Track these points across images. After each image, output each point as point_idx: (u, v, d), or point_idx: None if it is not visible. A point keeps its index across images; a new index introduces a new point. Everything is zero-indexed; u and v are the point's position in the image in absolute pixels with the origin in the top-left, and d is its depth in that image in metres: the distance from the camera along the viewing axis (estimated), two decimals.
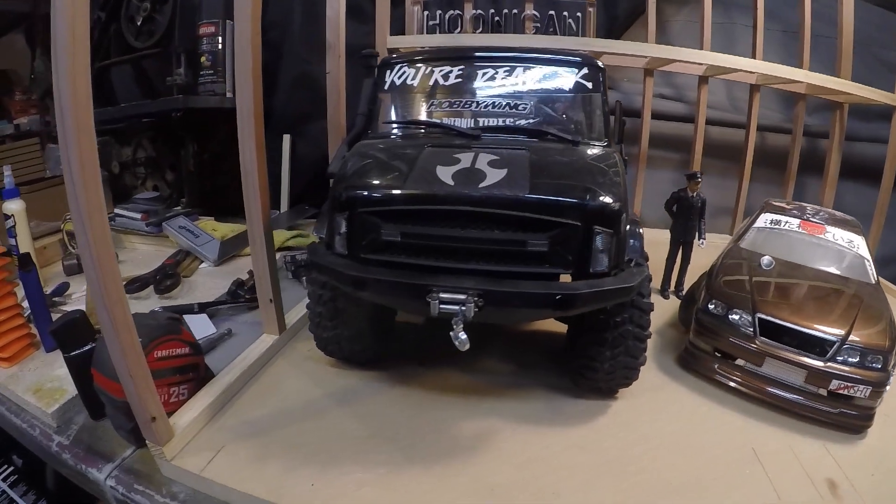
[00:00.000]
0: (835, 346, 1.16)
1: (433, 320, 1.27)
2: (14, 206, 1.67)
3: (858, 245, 1.52)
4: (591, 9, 1.99)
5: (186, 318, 1.52)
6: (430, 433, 1.04)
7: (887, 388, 1.20)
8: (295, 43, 2.22)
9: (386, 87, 1.25)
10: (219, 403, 1.12)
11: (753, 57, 2.10)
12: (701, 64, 2.03)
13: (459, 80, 1.21)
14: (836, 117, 2.19)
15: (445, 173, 0.92)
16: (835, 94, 2.11)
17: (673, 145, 2.41)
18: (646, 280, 1.01)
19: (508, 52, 1.25)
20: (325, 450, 1.00)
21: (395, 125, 1.23)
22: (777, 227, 1.62)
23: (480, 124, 1.16)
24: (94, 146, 0.81)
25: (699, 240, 1.68)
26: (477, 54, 1.25)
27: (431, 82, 1.22)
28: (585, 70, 1.21)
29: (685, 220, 1.67)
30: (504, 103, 1.19)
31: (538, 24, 1.98)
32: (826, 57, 2.21)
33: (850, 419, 1.16)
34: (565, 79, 1.21)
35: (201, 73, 2.11)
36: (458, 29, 1.98)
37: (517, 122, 1.17)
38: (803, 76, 1.98)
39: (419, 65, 1.23)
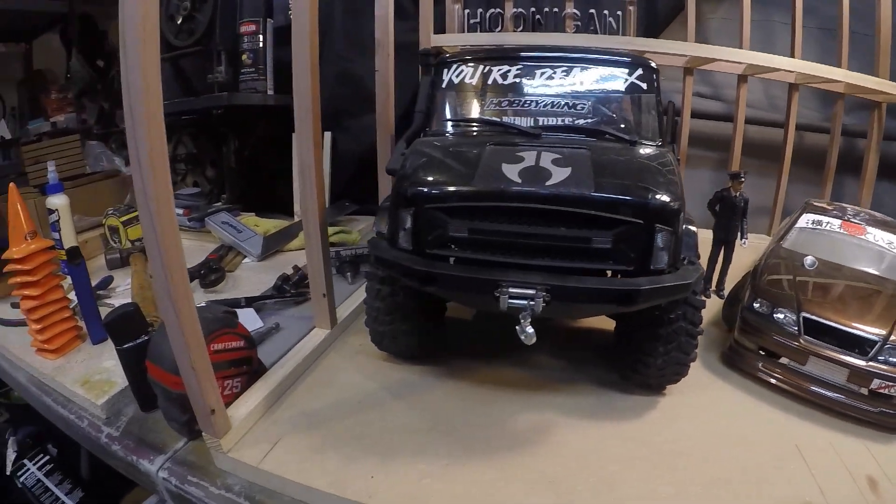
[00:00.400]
0: (877, 346, 1.17)
1: (481, 315, 1.27)
2: (58, 201, 1.71)
3: None
4: (631, 7, 1.99)
5: (241, 312, 1.55)
6: (488, 426, 1.06)
7: None
8: (335, 40, 2.24)
9: (444, 86, 1.28)
10: (274, 396, 1.13)
11: (792, 56, 2.08)
12: (740, 63, 2.01)
13: (518, 79, 1.23)
14: (874, 117, 2.16)
15: (512, 171, 0.94)
16: (873, 93, 2.09)
17: (710, 144, 2.39)
18: (700, 277, 1.03)
19: (565, 52, 1.26)
20: (383, 442, 1.01)
21: (452, 123, 1.25)
22: (818, 227, 1.63)
23: (540, 123, 1.19)
24: (163, 138, 0.82)
25: (741, 239, 1.67)
26: (535, 54, 1.27)
27: (490, 81, 1.24)
28: (640, 71, 1.23)
29: (727, 219, 1.66)
30: (563, 103, 1.21)
31: (578, 23, 1.97)
32: (864, 55, 2.17)
33: (890, 418, 1.16)
34: (621, 79, 1.23)
35: (242, 70, 2.15)
36: (499, 28, 1.98)
37: (577, 122, 1.19)
38: (842, 76, 1.96)
39: (477, 63, 1.25)
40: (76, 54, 2.86)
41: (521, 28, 1.99)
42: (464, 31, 1.99)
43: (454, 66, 1.27)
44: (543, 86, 1.22)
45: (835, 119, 2.19)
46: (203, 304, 1.40)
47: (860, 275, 1.43)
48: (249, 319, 1.54)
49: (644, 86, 1.23)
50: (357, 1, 2.18)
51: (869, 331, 1.19)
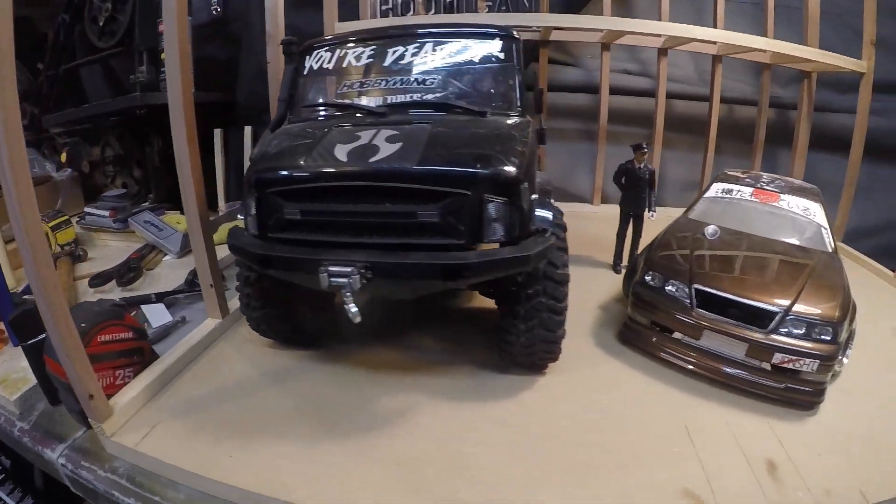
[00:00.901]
0: (777, 318, 1.14)
1: (374, 299, 1.32)
2: None
3: (815, 213, 1.50)
4: None
5: (144, 307, 1.61)
6: (355, 409, 1.10)
7: (843, 360, 1.18)
8: (256, 35, 2.29)
9: (305, 73, 1.30)
10: (159, 384, 1.18)
11: (714, 27, 2.13)
12: (658, 35, 2.06)
13: (371, 59, 1.24)
14: (804, 86, 2.21)
15: (342, 151, 0.97)
16: (801, 62, 2.12)
17: (639, 121, 2.43)
18: (551, 249, 1.02)
19: (420, 28, 1.27)
20: (252, 425, 1.06)
21: (309, 109, 1.27)
22: (728, 196, 1.62)
23: (389, 102, 1.19)
24: (22, 146, 0.87)
25: (649, 212, 1.70)
26: (387, 34, 1.28)
27: (345, 64, 1.25)
28: (498, 41, 1.23)
29: (633, 192, 1.69)
30: (413, 80, 1.21)
31: (490, 3, 2.02)
32: (798, 28, 2.21)
33: (798, 395, 1.13)
34: (477, 51, 1.23)
35: (162, 69, 2.19)
36: (411, 12, 2.03)
37: (425, 98, 1.19)
38: (764, 44, 1.99)
39: (334, 48, 1.27)
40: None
41: (432, 12, 2.04)
42: (376, 17, 2.05)
43: (314, 52, 1.29)
44: (394, 64, 1.23)
45: (763, 90, 2.23)
46: (99, 300, 1.47)
47: (769, 243, 1.41)
48: (159, 314, 1.60)
49: (502, 55, 1.22)
50: None
51: (769, 301, 1.16)
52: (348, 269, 0.89)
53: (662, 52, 2.15)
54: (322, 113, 1.25)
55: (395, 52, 1.23)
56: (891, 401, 1.18)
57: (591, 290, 1.60)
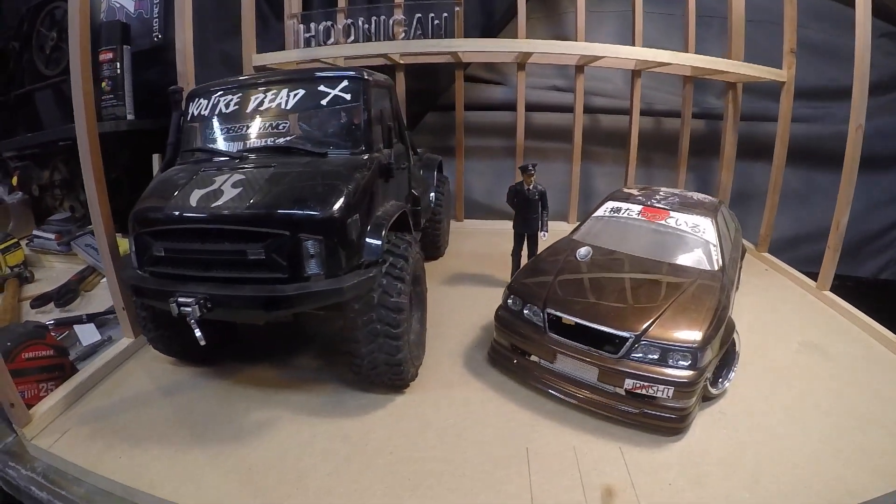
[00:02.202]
0: (628, 343, 1.21)
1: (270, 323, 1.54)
2: None
3: (704, 229, 1.59)
4: (458, 8, 2.29)
5: (77, 327, 1.91)
6: (224, 421, 1.36)
7: (724, 383, 1.30)
8: (212, 62, 2.60)
9: (188, 119, 1.53)
10: (74, 395, 1.47)
11: (633, 44, 2.38)
12: (574, 55, 2.31)
13: (237, 107, 1.45)
14: (729, 97, 2.44)
15: (195, 196, 1.23)
16: (722, 74, 2.35)
17: (568, 137, 2.66)
18: (373, 280, 1.21)
19: (278, 76, 1.50)
20: (140, 431, 1.34)
21: (188, 153, 1.51)
22: (616, 214, 1.72)
23: (247, 146, 1.41)
24: None
25: (541, 231, 1.88)
26: (249, 83, 1.49)
27: (217, 111, 1.47)
28: (345, 83, 1.43)
29: (525, 212, 1.86)
30: (268, 125, 1.42)
31: (406, 28, 2.30)
32: (724, 38, 2.46)
33: (657, 420, 1.19)
34: (325, 94, 1.42)
35: (103, 97, 2.51)
36: (331, 39, 2.33)
37: (276, 141, 1.40)
38: (672, 58, 2.20)
39: (209, 96, 1.49)
40: None
41: (351, 38, 2.32)
42: (300, 46, 2.35)
43: (195, 100, 1.53)
44: (254, 111, 1.44)
45: (685, 103, 2.48)
46: (25, 321, 1.79)
47: (643, 264, 1.50)
48: (89, 333, 1.90)
49: (348, 97, 1.41)
50: (220, 21, 2.55)
51: (622, 327, 1.22)
52: (191, 300, 1.15)
53: (579, 68, 2.42)
54: (198, 157, 1.48)
55: (256, 98, 1.45)
56: (766, 423, 1.28)
57: (479, 310, 1.80)
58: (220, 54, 2.53)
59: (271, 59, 2.20)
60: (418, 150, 2.22)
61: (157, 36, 2.69)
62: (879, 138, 2.76)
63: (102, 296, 2.21)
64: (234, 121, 1.46)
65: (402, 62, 2.48)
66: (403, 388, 1.42)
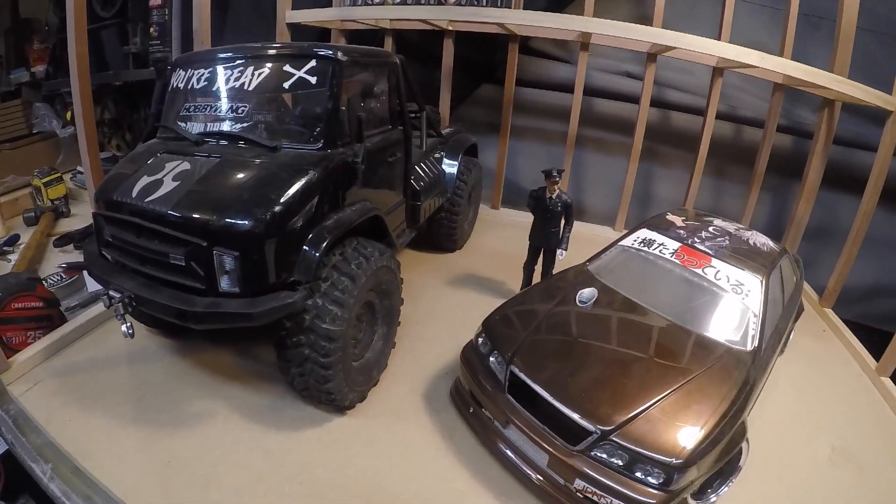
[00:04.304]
0: (590, 439, 1.02)
1: None
2: None
3: (749, 291, 1.32)
4: None
5: (85, 272, 2.05)
6: (168, 403, 1.40)
7: (695, 499, 1.06)
8: (240, 14, 2.63)
9: (169, 90, 1.48)
10: (54, 348, 1.56)
11: (719, 38, 2.13)
12: (647, 41, 2.09)
13: (206, 83, 1.38)
14: (824, 115, 2.12)
15: (140, 185, 1.21)
16: (819, 88, 2.02)
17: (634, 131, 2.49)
18: (294, 306, 1.14)
19: (249, 51, 1.38)
20: (95, 396, 1.41)
21: (160, 128, 1.49)
22: (646, 248, 1.49)
23: (206, 129, 1.34)
24: None
25: (560, 248, 1.68)
26: (222, 55, 1.39)
27: (189, 86, 1.41)
28: (312, 63, 1.30)
29: (544, 224, 1.68)
30: (229, 107, 1.34)
31: None
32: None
33: None
34: (289, 76, 1.31)
35: (150, 43, 2.62)
36: None
37: (233, 127, 1.31)
38: (759, 60, 1.93)
39: (185, 68, 1.44)
40: (53, 6, 3.50)
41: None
42: (345, 2, 2.30)
43: (176, 70, 1.46)
44: (219, 90, 1.36)
45: (771, 113, 2.20)
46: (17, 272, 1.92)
47: (657, 326, 1.27)
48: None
49: (313, 80, 1.29)
50: None
51: (590, 415, 1.03)
52: (118, 296, 1.17)
53: (651, 56, 2.21)
54: (167, 133, 1.45)
55: (224, 75, 1.37)
56: None
57: (468, 326, 1.53)
58: (273, 8, 2.52)
59: (304, 16, 2.18)
60: (446, 131, 2.14)
61: None
62: None
63: None
64: (201, 98, 1.40)
65: (450, 28, 2.36)
66: (344, 409, 1.37)
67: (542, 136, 2.74)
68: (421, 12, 2.15)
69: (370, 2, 2.28)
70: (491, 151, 2.47)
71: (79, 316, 1.72)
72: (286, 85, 1.32)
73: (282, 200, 1.14)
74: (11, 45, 3.64)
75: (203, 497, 1.15)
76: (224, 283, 1.12)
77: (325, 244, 1.18)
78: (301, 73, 1.31)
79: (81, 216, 2.59)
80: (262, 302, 1.12)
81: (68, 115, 2.92)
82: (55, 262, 2.18)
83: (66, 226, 2.50)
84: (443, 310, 1.83)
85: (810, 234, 2.33)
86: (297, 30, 2.36)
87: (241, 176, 1.20)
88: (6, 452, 1.49)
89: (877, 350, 1.71)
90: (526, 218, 1.78)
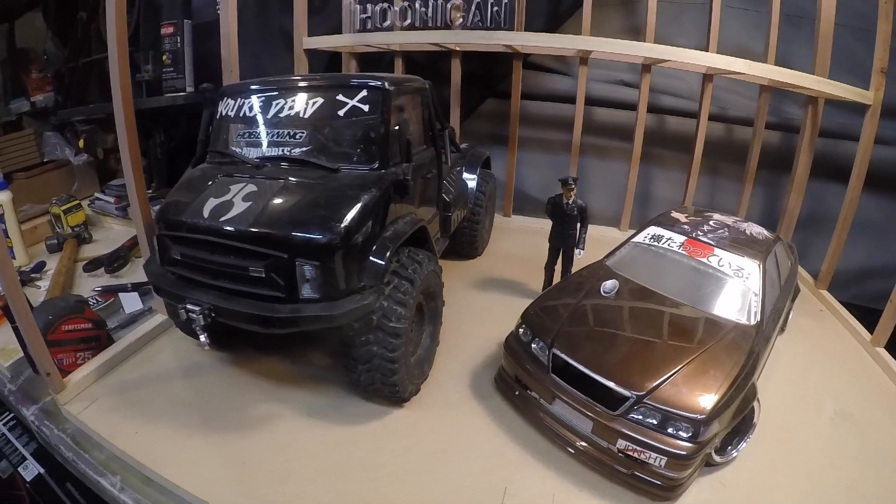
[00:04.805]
0: (627, 403, 1.20)
1: None
2: (3, 198, 2.41)
3: (749, 274, 1.52)
4: None
5: (121, 295, 2.15)
6: (232, 409, 1.51)
7: (732, 453, 1.28)
8: (249, 30, 2.76)
9: (217, 118, 1.63)
10: (106, 367, 1.68)
11: (707, 43, 2.32)
12: (638, 55, 2.26)
13: (259, 111, 1.53)
14: (808, 112, 2.31)
15: (209, 207, 1.34)
16: (801, 88, 2.23)
17: (632, 136, 2.63)
18: (369, 307, 1.28)
19: (299, 81, 1.55)
20: (158, 408, 1.52)
21: (213, 153, 1.62)
22: (656, 244, 1.68)
23: (265, 154, 1.49)
24: None
25: (577, 249, 1.89)
26: (273, 86, 1.55)
27: (241, 114, 1.55)
28: (364, 93, 1.47)
29: (562, 227, 1.88)
30: (286, 133, 1.48)
31: (464, 14, 2.35)
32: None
33: (647, 486, 1.18)
34: (343, 104, 1.46)
35: (163, 70, 2.73)
36: (387, 22, 2.41)
37: (292, 152, 1.46)
38: (746, 67, 2.12)
39: (234, 97, 1.58)
40: (51, 36, 3.58)
41: (408, 21, 2.40)
42: (356, 27, 2.45)
43: (223, 99, 1.61)
44: (275, 117, 1.50)
45: (759, 114, 2.39)
46: (68, 294, 2.03)
47: (672, 308, 1.46)
48: (132, 302, 2.14)
49: (366, 108, 1.45)
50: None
51: (626, 383, 1.21)
52: (197, 308, 1.29)
53: (646, 67, 2.39)
54: (221, 159, 1.59)
55: (277, 104, 1.52)
56: (765, 499, 1.27)
57: (499, 323, 1.77)
58: (280, 29, 2.67)
59: (321, 42, 2.32)
60: (462, 146, 2.29)
61: (219, 9, 2.86)
62: None
63: None
64: (256, 125, 1.54)
65: (457, 49, 2.53)
66: (402, 402, 1.51)
67: (545, 145, 2.91)
68: (433, 37, 2.31)
69: (380, 25, 2.43)
70: (497, 162, 2.61)
71: (127, 335, 1.83)
72: (341, 113, 1.47)
73: (353, 216, 1.29)
74: (8, 76, 3.70)
75: (283, 489, 1.26)
76: (305, 291, 1.26)
77: (388, 253, 1.34)
78: (354, 102, 1.47)
79: (103, 241, 2.70)
80: (341, 305, 1.26)
81: (80, 142, 3.02)
82: (86, 286, 2.28)
83: (90, 251, 2.60)
84: (473, 310, 1.98)
85: (803, 223, 2.52)
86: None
87: (312, 195, 1.34)
88: (36, 478, 1.62)
89: (872, 327, 1.90)
90: (535, 223, 1.94)
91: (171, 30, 2.72)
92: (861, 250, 2.62)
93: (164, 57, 2.73)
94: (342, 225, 1.27)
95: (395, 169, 1.47)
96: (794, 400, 1.61)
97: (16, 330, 1.66)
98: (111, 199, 2.80)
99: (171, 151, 2.90)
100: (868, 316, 1.98)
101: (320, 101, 1.49)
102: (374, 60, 2.69)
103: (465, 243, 2.31)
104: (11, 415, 2.56)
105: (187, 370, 1.70)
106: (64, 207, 2.67)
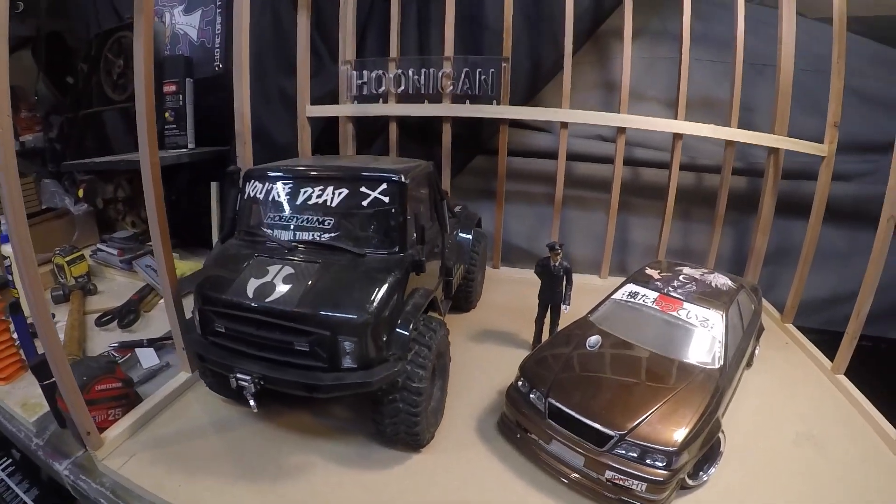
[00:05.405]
0: (612, 441, 1.47)
1: None
2: (9, 249, 2.56)
3: (714, 325, 1.79)
4: (505, 64, 2.59)
5: (137, 350, 2.32)
6: (266, 460, 1.70)
7: (703, 476, 1.55)
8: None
9: (245, 197, 1.82)
10: (139, 423, 1.86)
11: (677, 99, 2.64)
12: (611, 126, 2.60)
13: (288, 197, 1.74)
14: (771, 161, 2.66)
15: (252, 286, 1.56)
16: (763, 142, 2.59)
17: (609, 188, 2.90)
18: (399, 374, 1.53)
19: (327, 171, 1.77)
20: (195, 462, 1.70)
21: (245, 232, 1.80)
22: (632, 300, 1.96)
23: (297, 238, 1.69)
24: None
25: (564, 304, 2.19)
26: (300, 175, 1.76)
27: (271, 197, 1.76)
28: (384, 186, 1.68)
29: (549, 285, 2.18)
30: (315, 218, 1.69)
31: (454, 83, 2.62)
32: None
33: None
34: (366, 195, 1.68)
35: (165, 127, 2.93)
36: (382, 87, 2.67)
37: (322, 237, 1.67)
38: (725, 133, 2.48)
39: (263, 180, 1.79)
40: (42, 77, 3.72)
41: (402, 88, 2.66)
42: (353, 92, 2.70)
43: (250, 181, 1.81)
44: (304, 203, 1.70)
45: (725, 165, 2.72)
46: (100, 354, 2.18)
47: (649, 358, 1.73)
48: (149, 357, 2.30)
49: (386, 199, 1.67)
50: (269, 56, 2.92)
51: (611, 424, 1.48)
52: (248, 378, 1.51)
53: (620, 129, 2.69)
54: (253, 238, 1.78)
55: (305, 191, 1.73)
56: None
57: (498, 372, 2.07)
58: (279, 91, 2.90)
59: (324, 111, 2.56)
60: (456, 209, 2.54)
61: (217, 66, 3.09)
62: None
63: (160, 317, 2.63)
64: (285, 210, 1.76)
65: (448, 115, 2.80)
66: (420, 448, 1.74)
67: (529, 198, 3.19)
68: (427, 110, 2.60)
69: (375, 91, 2.68)
70: (486, 215, 2.85)
71: (156, 392, 2.01)
72: (364, 203, 1.69)
73: (382, 297, 1.53)
74: None
75: None
76: (346, 362, 1.50)
77: (411, 325, 1.59)
78: (376, 194, 1.69)
79: (108, 293, 2.85)
80: (376, 372, 1.50)
81: (80, 192, 3.18)
82: (100, 341, 2.43)
83: (97, 303, 2.75)
84: (472, 361, 2.21)
85: (770, 258, 2.85)
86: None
87: (345, 278, 1.58)
88: None
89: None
90: (521, 274, 2.18)
91: (173, 88, 2.92)
92: (828, 278, 2.97)
93: (167, 114, 2.92)
94: (374, 306, 1.51)
95: (412, 251, 1.71)
96: (760, 425, 1.88)
97: (45, 388, 1.84)
98: (114, 252, 2.96)
99: (173, 204, 3.09)
100: (838, 340, 2.23)
101: (346, 191, 1.71)
102: (370, 122, 2.93)
103: (462, 298, 2.56)
104: (9, 460, 2.69)
105: (218, 425, 1.89)
106: (68, 258, 2.80)
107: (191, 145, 2.96)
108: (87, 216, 3.27)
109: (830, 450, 1.79)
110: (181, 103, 2.92)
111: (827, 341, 2.37)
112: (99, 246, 3.02)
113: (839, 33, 2.36)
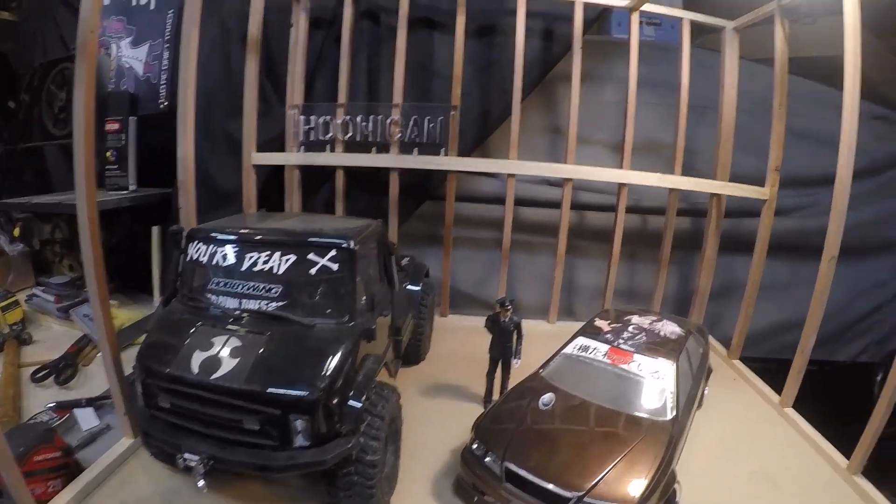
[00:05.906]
0: (570, 503, 1.48)
1: None
2: None
3: (664, 375, 1.83)
4: (453, 112, 2.66)
5: (76, 411, 2.28)
6: None
7: None
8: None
9: (187, 259, 1.76)
10: (80, 496, 1.82)
11: (623, 142, 2.78)
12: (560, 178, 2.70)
13: (233, 261, 1.68)
14: (713, 204, 2.82)
15: (197, 360, 1.54)
16: (707, 189, 2.74)
17: (556, 232, 3.01)
18: (353, 448, 1.51)
19: (273, 235, 1.74)
20: None
21: (187, 296, 1.78)
22: (583, 354, 1.99)
23: (242, 306, 1.65)
24: None
25: (514, 359, 2.22)
26: (245, 239, 1.71)
27: (215, 261, 1.70)
28: (333, 252, 1.66)
29: (500, 340, 2.21)
30: (262, 286, 1.65)
31: (402, 129, 2.67)
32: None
33: None
34: (314, 263, 1.65)
35: (106, 167, 2.89)
36: (329, 133, 2.70)
37: (269, 306, 1.64)
38: (670, 182, 2.64)
39: (207, 242, 1.73)
40: None
41: (349, 134, 2.70)
42: (300, 137, 2.73)
43: (194, 241, 1.75)
44: (249, 270, 1.66)
45: (669, 211, 2.86)
46: (36, 422, 2.16)
47: (601, 414, 1.75)
48: (88, 419, 2.27)
49: (335, 267, 1.64)
50: (217, 98, 2.91)
51: (568, 485, 1.50)
52: (196, 458, 1.51)
53: (567, 180, 2.80)
54: (196, 303, 1.75)
55: (251, 257, 1.68)
56: None
57: (451, 429, 2.06)
58: (225, 134, 2.88)
59: (270, 159, 2.57)
60: (403, 261, 2.55)
61: (162, 104, 3.05)
62: (871, 225, 3.20)
63: (100, 372, 2.55)
64: (229, 276, 1.72)
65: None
66: None
67: (476, 244, 3.26)
68: (375, 160, 2.67)
69: (322, 137, 2.71)
70: (432, 261, 2.89)
71: (97, 460, 1.99)
72: (312, 271, 1.68)
73: (332, 371, 1.53)
74: None
75: None
76: (298, 440, 1.50)
77: (363, 398, 1.59)
78: (324, 261, 1.67)
79: (44, 343, 2.79)
80: (330, 449, 1.50)
81: (16, 231, 3.10)
82: (35, 398, 2.37)
83: (32, 354, 2.69)
84: (425, 417, 2.23)
85: (715, 294, 3.02)
86: None
87: (293, 351, 1.57)
88: None
89: (786, 375, 2.32)
90: (470, 321, 2.22)
91: (116, 126, 2.87)
92: (772, 308, 3.17)
93: (108, 154, 2.87)
94: (326, 382, 1.51)
95: (362, 320, 1.71)
96: (713, 466, 1.96)
97: None
98: (51, 298, 2.90)
99: (112, 248, 3.04)
100: (785, 368, 2.36)
101: (293, 258, 1.69)
102: (317, 169, 2.94)
103: (411, 352, 2.58)
104: None
105: (165, 497, 1.87)
106: (2, 304, 2.74)
107: (132, 186, 2.92)
108: (23, 257, 3.19)
109: (785, 486, 1.89)
110: (123, 142, 2.87)
111: (772, 370, 2.51)
112: (35, 291, 2.95)
113: (780, 81, 2.53)
